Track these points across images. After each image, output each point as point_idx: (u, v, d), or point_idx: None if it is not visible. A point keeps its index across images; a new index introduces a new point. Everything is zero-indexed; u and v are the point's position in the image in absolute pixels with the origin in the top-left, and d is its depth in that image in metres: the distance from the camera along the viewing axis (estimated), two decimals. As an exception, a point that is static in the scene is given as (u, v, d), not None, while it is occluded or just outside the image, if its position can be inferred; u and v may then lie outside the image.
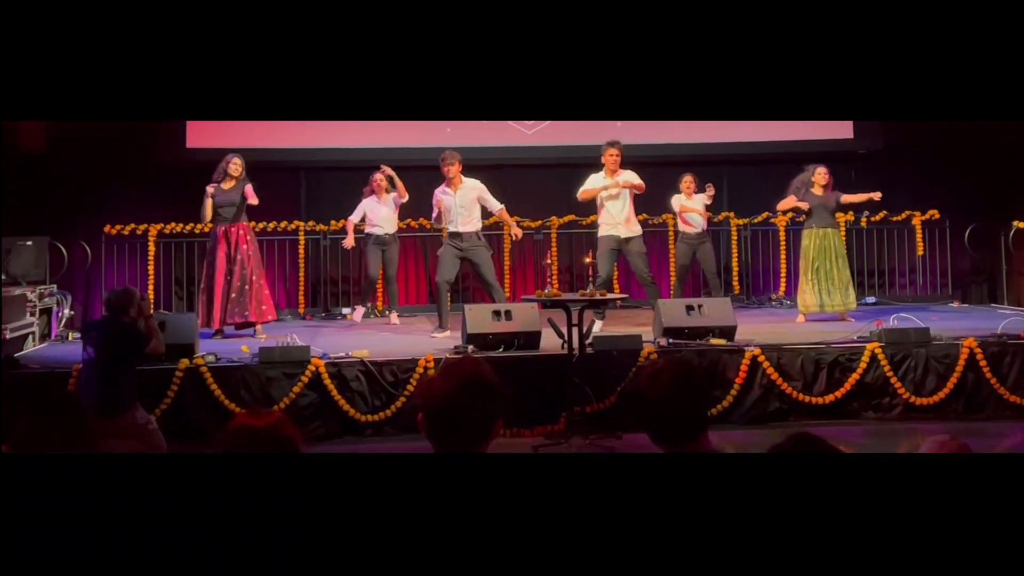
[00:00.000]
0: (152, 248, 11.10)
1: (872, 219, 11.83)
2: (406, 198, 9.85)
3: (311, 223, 11.29)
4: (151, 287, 10.90)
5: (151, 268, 11.06)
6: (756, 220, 11.97)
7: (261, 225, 10.91)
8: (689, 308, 7.98)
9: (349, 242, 9.96)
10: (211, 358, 7.20)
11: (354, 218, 9.95)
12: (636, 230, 9.16)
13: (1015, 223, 10.89)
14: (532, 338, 7.59)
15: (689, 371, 2.61)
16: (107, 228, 11.02)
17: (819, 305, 9.32)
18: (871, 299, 11.55)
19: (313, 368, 7.07)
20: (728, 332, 7.83)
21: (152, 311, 6.59)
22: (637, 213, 9.37)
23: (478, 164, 11.67)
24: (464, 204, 8.98)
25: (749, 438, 7.00)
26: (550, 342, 7.40)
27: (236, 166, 8.88)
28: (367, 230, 9.98)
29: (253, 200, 8.74)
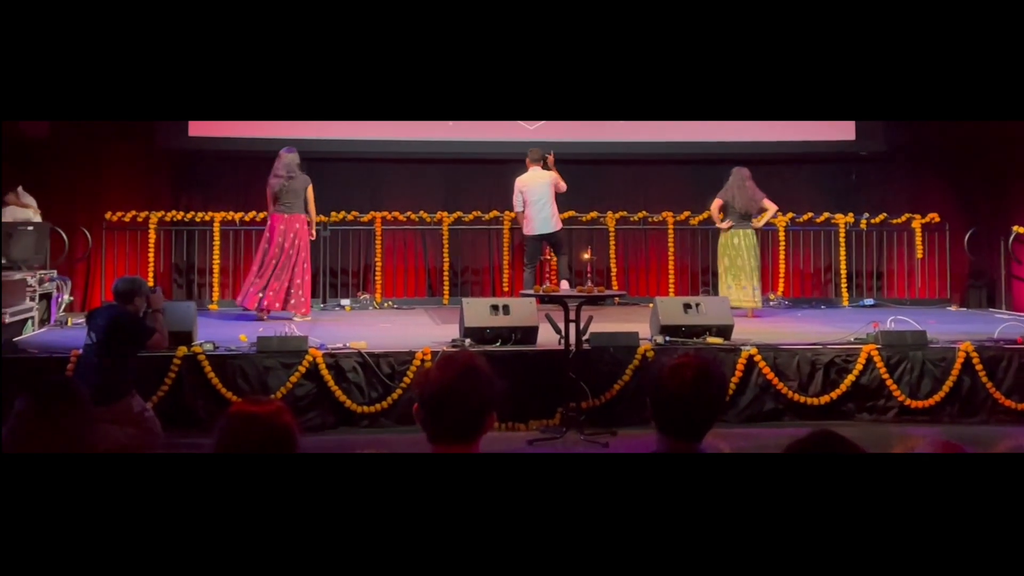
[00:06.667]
0: (152, 235, 11.11)
1: (872, 221, 11.85)
2: None
3: (311, 213, 11.29)
4: (151, 274, 10.90)
5: (151, 255, 11.07)
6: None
7: (263, 215, 10.94)
8: (687, 306, 8.00)
9: None
10: (209, 346, 7.21)
11: None
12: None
13: (1015, 228, 10.91)
14: (529, 333, 7.61)
15: (711, 369, 2.63)
16: (108, 214, 11.03)
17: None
18: (869, 301, 11.56)
19: (311, 358, 7.09)
20: (725, 331, 7.84)
21: (161, 305, 6.59)
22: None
23: (480, 159, 11.74)
24: None
25: (744, 437, 7.02)
26: (547, 337, 7.42)
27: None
28: None
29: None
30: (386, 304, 11.31)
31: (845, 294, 11.72)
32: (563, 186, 10.32)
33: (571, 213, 11.59)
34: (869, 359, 7.46)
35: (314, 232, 9.67)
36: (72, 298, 10.14)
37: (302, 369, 7.06)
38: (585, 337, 7.08)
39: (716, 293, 10.69)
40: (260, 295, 9.27)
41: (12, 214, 9.39)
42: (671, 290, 11.56)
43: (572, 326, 6.92)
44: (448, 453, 2.31)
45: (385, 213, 11.57)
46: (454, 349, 7.31)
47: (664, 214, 11.77)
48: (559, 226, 10.38)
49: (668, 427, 2.57)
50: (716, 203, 10.02)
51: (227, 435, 2.17)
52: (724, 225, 9.97)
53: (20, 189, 9.66)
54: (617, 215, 11.78)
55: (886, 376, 7.43)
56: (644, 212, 11.82)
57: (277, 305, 9.34)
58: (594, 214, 11.73)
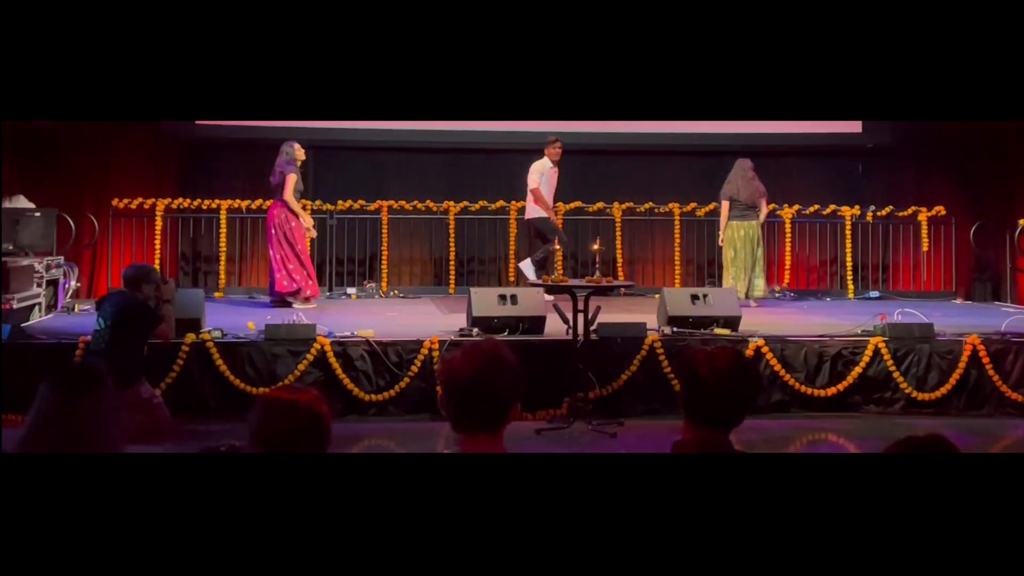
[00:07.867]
0: (159, 222, 11.12)
1: (878, 214, 11.85)
2: None
3: (318, 202, 11.29)
4: (157, 262, 10.91)
5: (157, 242, 11.09)
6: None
7: (269, 203, 10.94)
8: (694, 297, 8.00)
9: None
10: (217, 333, 7.21)
11: None
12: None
13: (1021, 221, 10.90)
14: (537, 323, 7.61)
15: (745, 360, 2.64)
16: (115, 201, 11.04)
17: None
18: (875, 293, 11.57)
19: (318, 346, 7.09)
20: (732, 322, 7.85)
21: (172, 297, 6.60)
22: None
23: (487, 148, 11.73)
24: None
25: (751, 429, 7.02)
26: (555, 327, 7.42)
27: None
28: None
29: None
30: (392, 293, 11.32)
31: (851, 286, 11.73)
32: (532, 182, 10.16)
33: (577, 204, 11.61)
34: (876, 351, 7.47)
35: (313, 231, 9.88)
36: (79, 284, 10.16)
37: (310, 357, 7.06)
38: (593, 327, 7.09)
39: (722, 284, 10.70)
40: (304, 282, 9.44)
41: (19, 202, 9.40)
42: (677, 281, 11.58)
43: (580, 316, 6.92)
44: (472, 452, 2.31)
45: (391, 202, 11.57)
46: (463, 338, 7.32)
47: (671, 205, 11.77)
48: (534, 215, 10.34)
49: (699, 417, 2.55)
50: (724, 204, 10.15)
51: (264, 422, 2.18)
52: (722, 223, 10.12)
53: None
54: (624, 206, 11.78)
55: (893, 368, 7.44)
56: (651, 203, 11.82)
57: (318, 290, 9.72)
58: (600, 205, 11.73)
